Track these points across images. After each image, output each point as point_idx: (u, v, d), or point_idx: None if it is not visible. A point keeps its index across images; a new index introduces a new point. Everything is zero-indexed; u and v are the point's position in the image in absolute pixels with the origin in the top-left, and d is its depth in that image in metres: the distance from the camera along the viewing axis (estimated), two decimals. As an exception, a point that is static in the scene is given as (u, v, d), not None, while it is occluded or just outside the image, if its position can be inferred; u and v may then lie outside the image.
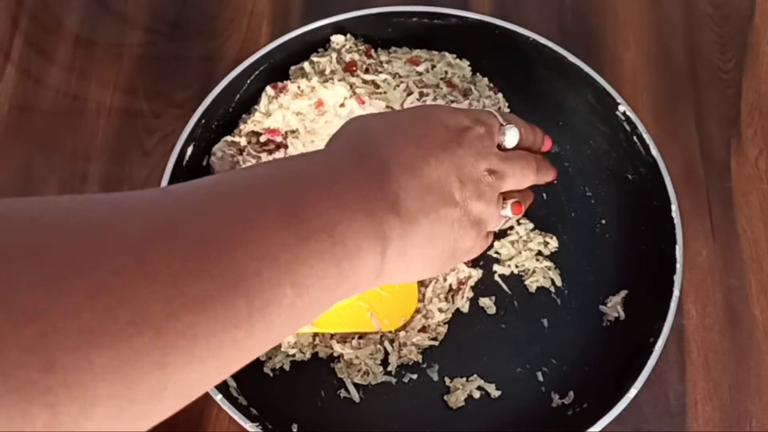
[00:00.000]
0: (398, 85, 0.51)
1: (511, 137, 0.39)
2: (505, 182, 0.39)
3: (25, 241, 0.21)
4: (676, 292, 0.46)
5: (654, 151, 0.50)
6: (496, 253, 0.52)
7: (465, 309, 0.50)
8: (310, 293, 0.27)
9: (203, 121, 0.50)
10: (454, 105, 0.52)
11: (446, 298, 0.50)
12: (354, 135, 0.35)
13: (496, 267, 0.51)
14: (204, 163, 0.51)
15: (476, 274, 0.51)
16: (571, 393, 0.48)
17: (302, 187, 0.29)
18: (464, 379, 0.48)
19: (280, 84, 0.51)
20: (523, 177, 0.40)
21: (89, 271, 0.21)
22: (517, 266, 0.51)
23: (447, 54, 0.54)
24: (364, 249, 0.29)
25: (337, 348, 0.48)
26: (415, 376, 0.49)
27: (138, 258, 0.22)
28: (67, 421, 0.20)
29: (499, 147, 0.39)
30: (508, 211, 0.40)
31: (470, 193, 0.36)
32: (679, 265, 0.47)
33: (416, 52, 0.54)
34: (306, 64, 0.52)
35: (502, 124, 0.39)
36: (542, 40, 0.52)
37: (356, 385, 0.48)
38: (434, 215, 0.34)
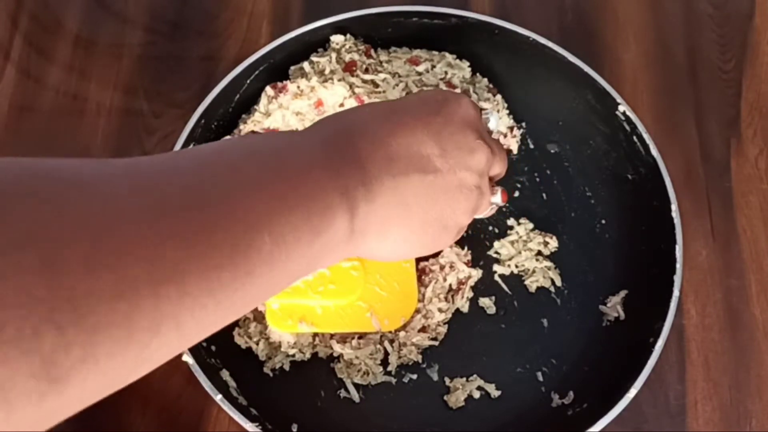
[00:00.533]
0: (397, 84, 0.51)
1: (494, 120, 0.40)
2: (495, 160, 0.39)
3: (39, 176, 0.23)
4: (676, 292, 0.46)
5: (654, 151, 0.50)
6: (496, 253, 0.52)
7: (465, 309, 0.50)
8: (287, 244, 0.28)
9: (203, 121, 0.50)
10: None
11: (446, 298, 0.50)
12: (328, 117, 0.37)
13: (496, 267, 0.51)
14: (204, 163, 0.51)
15: (476, 274, 0.51)
16: (571, 393, 0.48)
17: (275, 154, 0.31)
18: (464, 379, 0.48)
19: (279, 84, 0.51)
20: (505, 162, 0.41)
21: (86, 206, 0.23)
22: (517, 266, 0.51)
23: (447, 54, 0.54)
24: (331, 205, 0.31)
25: (337, 348, 0.48)
26: (415, 376, 0.49)
27: (126, 206, 0.24)
28: (74, 344, 0.21)
29: None
30: (498, 197, 0.40)
31: (457, 162, 0.36)
32: (679, 265, 0.47)
33: (416, 52, 0.54)
34: (306, 64, 0.52)
35: (482, 109, 0.40)
36: (542, 40, 0.52)
37: (356, 385, 0.48)
38: (403, 178, 0.34)
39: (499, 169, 0.41)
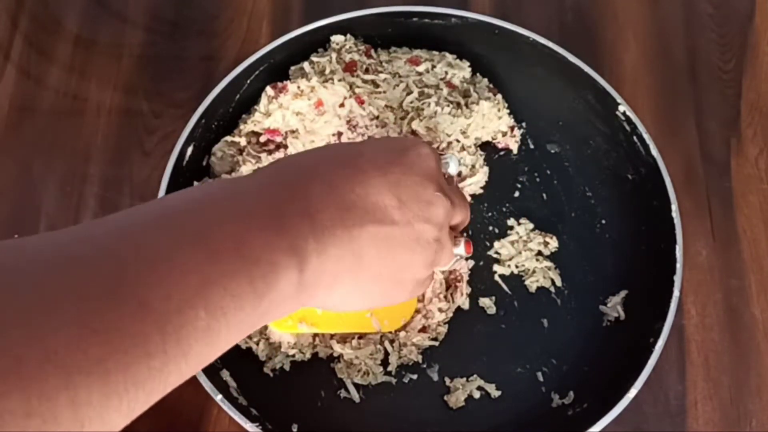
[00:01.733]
0: (398, 85, 0.51)
1: (454, 165, 0.37)
2: (455, 211, 0.37)
3: None
4: (676, 292, 0.46)
5: (654, 151, 0.50)
6: (496, 253, 0.52)
7: (466, 306, 0.50)
8: (226, 314, 0.26)
9: (203, 121, 0.50)
10: (452, 107, 0.51)
11: (446, 298, 0.50)
12: (278, 161, 0.35)
13: (496, 267, 0.51)
14: (204, 163, 0.51)
15: (464, 264, 0.50)
16: (571, 393, 0.48)
17: (214, 208, 0.29)
18: (464, 379, 0.48)
19: (279, 84, 0.51)
20: (466, 210, 0.39)
21: None
22: (517, 266, 0.51)
23: (447, 54, 0.54)
24: (277, 265, 0.29)
25: (337, 348, 0.48)
26: (415, 376, 0.49)
27: (41, 294, 0.22)
28: None
29: None
30: (461, 248, 0.38)
31: (415, 214, 0.34)
32: (679, 265, 0.47)
33: (416, 52, 0.54)
34: (306, 64, 0.52)
35: (441, 154, 0.38)
36: (542, 40, 0.52)
37: (356, 385, 0.48)
38: (357, 230, 0.32)
39: (460, 218, 0.39)
